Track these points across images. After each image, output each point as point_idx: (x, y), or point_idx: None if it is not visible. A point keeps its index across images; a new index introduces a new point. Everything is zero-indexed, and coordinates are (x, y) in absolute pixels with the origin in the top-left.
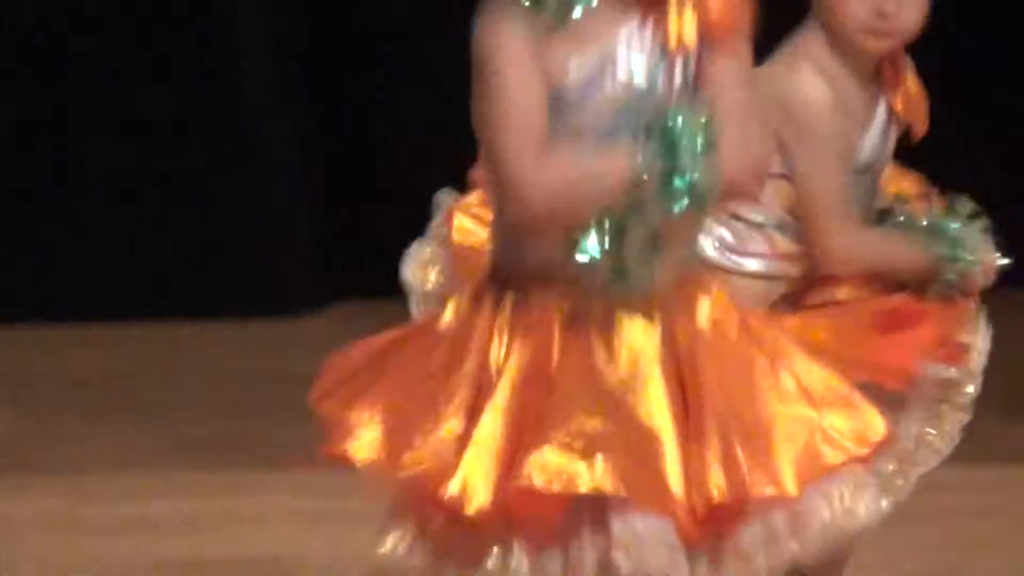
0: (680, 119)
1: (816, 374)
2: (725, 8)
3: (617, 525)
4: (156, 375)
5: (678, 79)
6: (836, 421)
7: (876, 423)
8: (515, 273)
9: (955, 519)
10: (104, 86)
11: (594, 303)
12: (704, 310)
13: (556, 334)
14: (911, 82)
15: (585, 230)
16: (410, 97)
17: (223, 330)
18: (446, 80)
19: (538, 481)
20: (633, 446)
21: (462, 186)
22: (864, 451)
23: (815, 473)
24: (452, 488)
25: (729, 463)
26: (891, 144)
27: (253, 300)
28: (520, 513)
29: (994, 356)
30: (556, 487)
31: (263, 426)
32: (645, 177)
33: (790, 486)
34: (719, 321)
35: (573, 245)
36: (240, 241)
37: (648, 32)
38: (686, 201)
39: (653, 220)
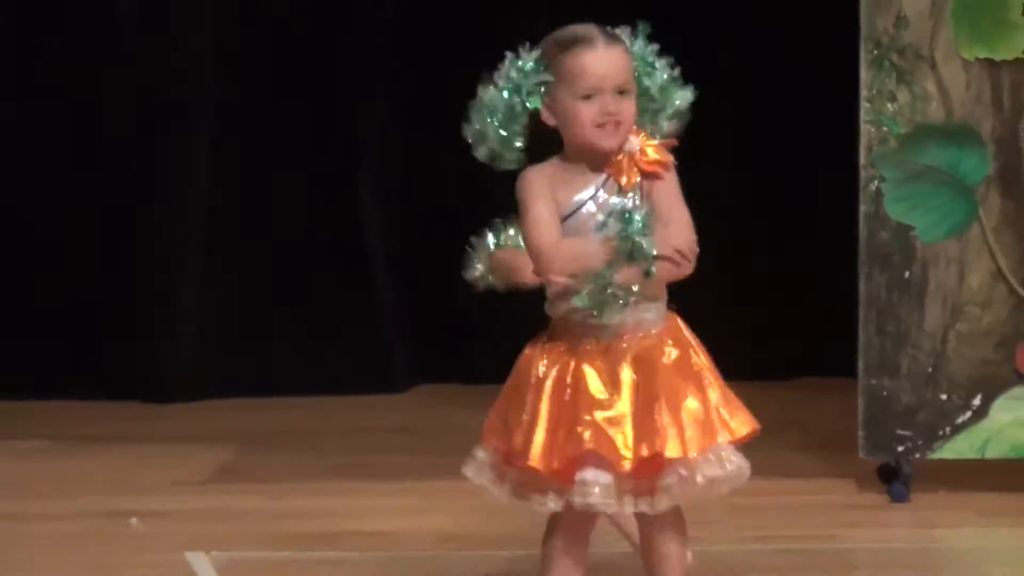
0: (631, 210)
1: (717, 390)
2: (656, 162)
3: (578, 476)
4: None
5: (631, 203)
6: (726, 415)
7: (748, 423)
8: (552, 321)
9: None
10: None
11: (592, 341)
12: (667, 344)
13: (571, 361)
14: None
15: (580, 286)
16: None
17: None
18: None
19: (589, 444)
20: (609, 422)
21: None
22: (737, 436)
23: (708, 443)
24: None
25: (661, 434)
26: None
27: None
28: (555, 471)
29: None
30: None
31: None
32: (612, 242)
33: (691, 450)
34: (675, 351)
35: (573, 297)
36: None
37: (611, 180)
38: (637, 256)
39: (616, 272)
